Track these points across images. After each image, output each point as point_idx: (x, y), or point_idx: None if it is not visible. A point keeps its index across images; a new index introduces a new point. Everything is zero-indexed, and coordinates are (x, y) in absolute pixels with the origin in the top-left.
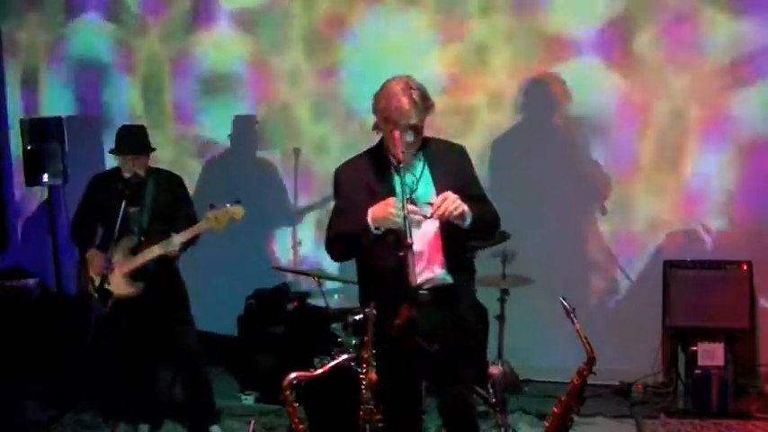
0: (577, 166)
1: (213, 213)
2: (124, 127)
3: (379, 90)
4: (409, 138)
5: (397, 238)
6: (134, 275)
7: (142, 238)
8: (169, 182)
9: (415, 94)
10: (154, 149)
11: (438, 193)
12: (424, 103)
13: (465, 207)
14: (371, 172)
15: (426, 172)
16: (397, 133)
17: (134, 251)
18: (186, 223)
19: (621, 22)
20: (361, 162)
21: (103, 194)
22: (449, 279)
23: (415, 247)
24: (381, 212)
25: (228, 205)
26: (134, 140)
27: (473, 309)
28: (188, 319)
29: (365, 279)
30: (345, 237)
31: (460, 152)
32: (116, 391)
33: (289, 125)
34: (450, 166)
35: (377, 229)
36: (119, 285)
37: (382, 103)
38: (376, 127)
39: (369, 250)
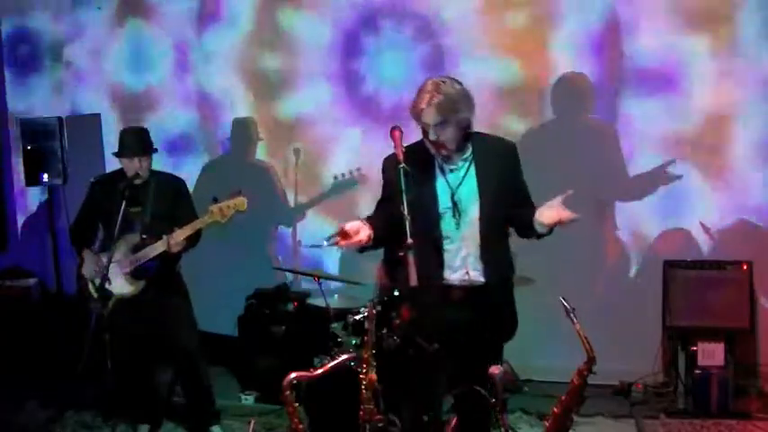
0: (578, 166)
1: (217, 206)
2: (127, 129)
3: None
4: (432, 136)
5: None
6: (135, 274)
7: (144, 236)
8: (170, 184)
9: (438, 98)
10: (156, 150)
11: (481, 195)
12: (448, 106)
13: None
14: (414, 165)
15: (472, 171)
16: (397, 133)
17: (135, 249)
18: (188, 223)
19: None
20: (408, 153)
21: (105, 197)
22: (482, 279)
23: (451, 246)
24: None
25: (232, 197)
26: (140, 142)
27: (507, 309)
28: (189, 319)
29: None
30: None
31: (509, 150)
32: (116, 392)
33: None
34: (497, 165)
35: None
36: (120, 285)
37: (413, 101)
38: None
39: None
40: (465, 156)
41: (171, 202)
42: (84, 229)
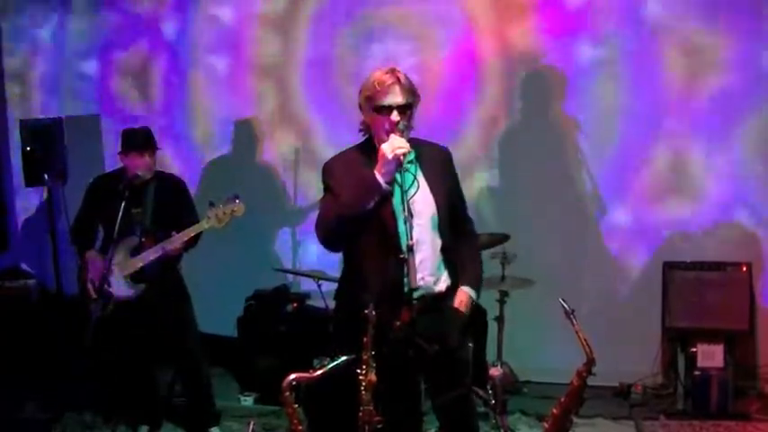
0: (577, 167)
1: (214, 212)
2: (130, 128)
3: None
4: (394, 117)
5: (391, 240)
6: (135, 277)
7: (143, 239)
8: (171, 185)
9: (401, 76)
10: (160, 148)
11: (435, 198)
12: (411, 87)
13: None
14: (365, 167)
15: (419, 173)
16: (398, 134)
17: (135, 252)
18: (188, 226)
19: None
20: (352, 156)
21: (105, 196)
22: (441, 287)
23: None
24: (385, 152)
25: (230, 203)
26: (145, 138)
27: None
28: (190, 320)
29: (355, 280)
30: (350, 210)
31: (449, 157)
32: (116, 392)
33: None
34: (442, 171)
35: (387, 183)
36: (119, 287)
37: (365, 86)
38: (364, 126)
39: (362, 251)
40: (409, 158)
41: (172, 202)
42: (84, 230)
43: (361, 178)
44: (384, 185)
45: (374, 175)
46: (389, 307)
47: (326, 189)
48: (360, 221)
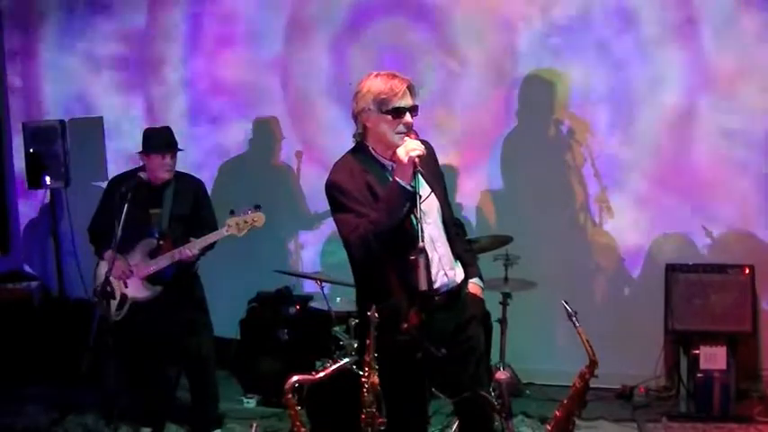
0: (580, 169)
1: (234, 220)
2: (152, 128)
3: (359, 87)
4: (409, 118)
5: (410, 243)
6: (151, 279)
7: (161, 242)
8: (191, 185)
9: (408, 80)
10: (182, 149)
11: (435, 193)
12: (415, 89)
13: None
14: (370, 174)
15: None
16: (414, 137)
17: (153, 254)
18: (206, 228)
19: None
20: (352, 165)
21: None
22: (460, 276)
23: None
24: (401, 157)
25: (250, 212)
26: (168, 139)
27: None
28: (205, 323)
29: (370, 284)
30: (388, 224)
31: (433, 150)
32: (119, 395)
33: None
34: (433, 166)
35: (412, 186)
36: (136, 289)
37: (372, 90)
38: (362, 131)
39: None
40: None
41: (190, 204)
42: (102, 230)
43: (385, 191)
44: (410, 188)
45: (397, 182)
46: (415, 308)
47: (341, 207)
48: (395, 229)
